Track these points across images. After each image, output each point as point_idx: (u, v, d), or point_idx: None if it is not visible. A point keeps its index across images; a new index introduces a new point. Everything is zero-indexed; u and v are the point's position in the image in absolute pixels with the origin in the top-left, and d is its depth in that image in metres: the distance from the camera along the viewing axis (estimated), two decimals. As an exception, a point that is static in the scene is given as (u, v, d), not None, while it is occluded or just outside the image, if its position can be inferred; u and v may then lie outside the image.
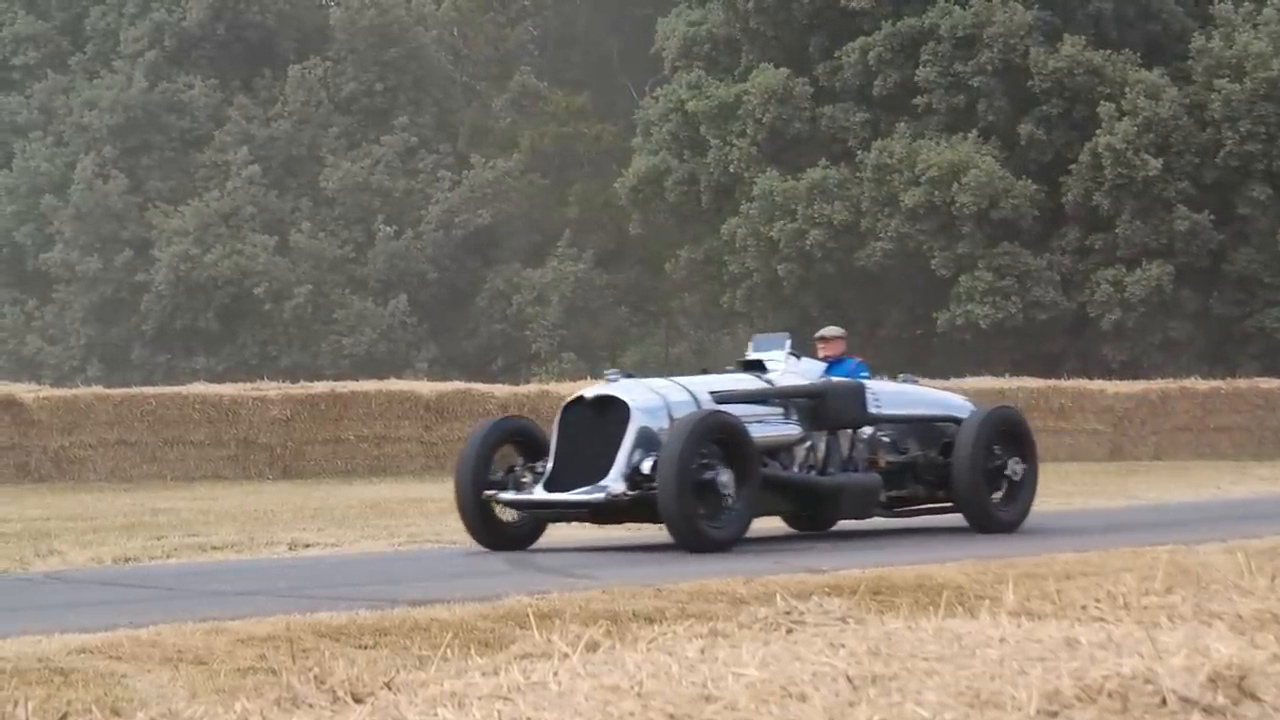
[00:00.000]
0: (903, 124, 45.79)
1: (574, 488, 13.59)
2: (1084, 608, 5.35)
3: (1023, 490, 15.35)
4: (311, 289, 55.91)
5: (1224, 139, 43.02)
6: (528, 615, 8.25)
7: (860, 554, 12.80)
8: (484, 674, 4.59)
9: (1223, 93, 42.88)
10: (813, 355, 16.14)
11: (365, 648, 8.27)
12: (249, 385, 30.15)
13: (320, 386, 29.91)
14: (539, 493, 13.72)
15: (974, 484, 14.93)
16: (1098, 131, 43.59)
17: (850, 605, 5.84)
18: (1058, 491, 23.12)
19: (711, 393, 14.25)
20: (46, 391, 28.55)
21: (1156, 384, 35.52)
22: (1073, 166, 44.21)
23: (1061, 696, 3.98)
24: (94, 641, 8.33)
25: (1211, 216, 43.24)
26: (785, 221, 45.54)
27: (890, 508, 15.30)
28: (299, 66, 59.51)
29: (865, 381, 15.32)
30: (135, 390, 29.47)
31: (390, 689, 4.57)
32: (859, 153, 45.98)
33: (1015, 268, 44.18)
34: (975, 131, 44.84)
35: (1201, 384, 35.59)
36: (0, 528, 17.04)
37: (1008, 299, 43.85)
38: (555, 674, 4.48)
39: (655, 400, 13.91)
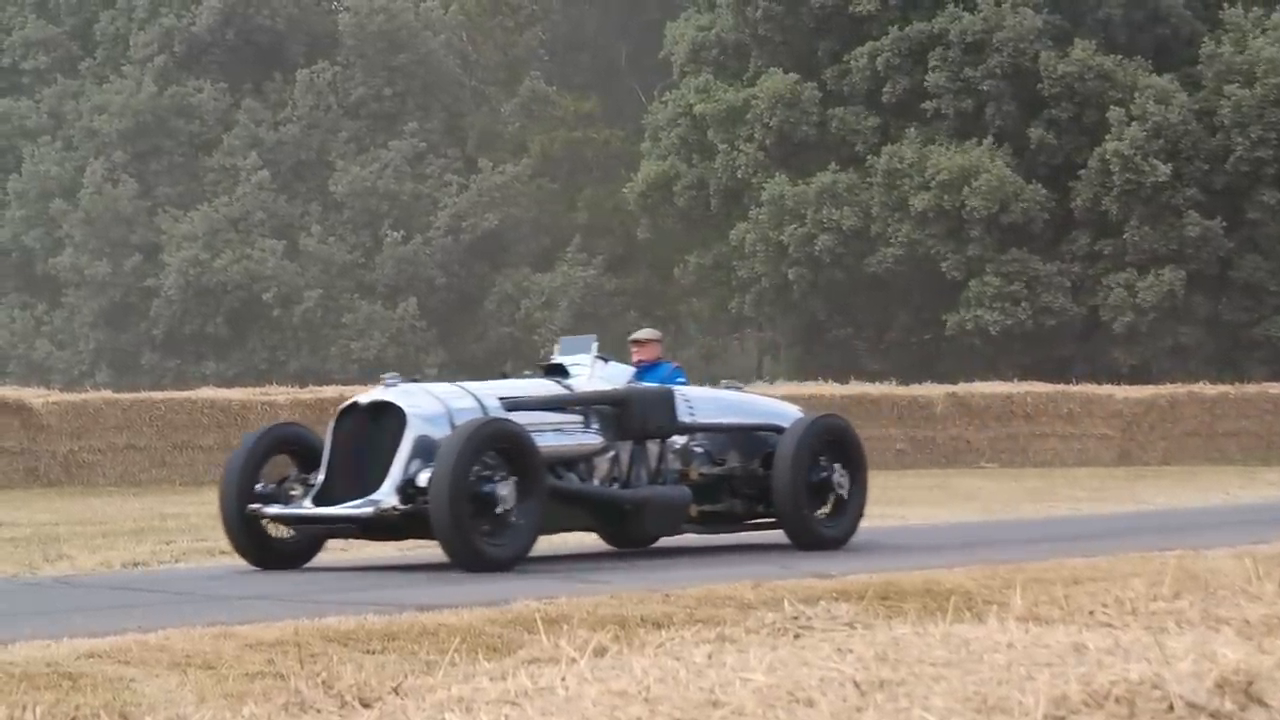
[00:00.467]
0: (913, 129, 45.78)
1: (346, 501, 12.64)
2: (1092, 613, 5.35)
3: (850, 504, 14.32)
4: (321, 293, 55.96)
5: (1234, 145, 42.99)
6: (535, 620, 8.26)
7: (868, 559, 12.81)
8: (491, 679, 4.59)
9: (1233, 98, 42.84)
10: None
11: (373, 653, 8.28)
12: (258, 390, 30.17)
13: (329, 391, 29.91)
14: (306, 506, 12.79)
15: (794, 497, 13.93)
16: (1106, 137, 43.57)
17: (858, 610, 5.84)
18: (1067, 496, 23.13)
19: (501, 399, 13.31)
20: (55, 396, 28.57)
21: (1165, 389, 35.48)
22: (1082, 172, 44.19)
23: (1069, 702, 3.98)
24: (102, 646, 8.35)
25: (1224, 224, 43.20)
26: (795, 226, 45.55)
27: (705, 523, 14.26)
28: (307, 71, 59.57)
29: (679, 388, 14.37)
30: (144, 395, 29.50)
31: (398, 694, 4.58)
32: (869, 157, 45.97)
33: (1024, 273, 44.18)
34: (990, 137, 44.78)
35: (1210, 389, 35.56)
36: (9, 532, 17.06)
37: (1017, 304, 43.84)
38: (563, 679, 4.48)
39: (435, 407, 12.97)
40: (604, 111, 60.26)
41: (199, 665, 7.91)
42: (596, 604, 9.68)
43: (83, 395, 28.86)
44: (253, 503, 12.91)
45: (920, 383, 35.60)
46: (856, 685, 4.21)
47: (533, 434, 12.87)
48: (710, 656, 4.77)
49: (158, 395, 29.63)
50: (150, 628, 8.94)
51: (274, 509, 12.92)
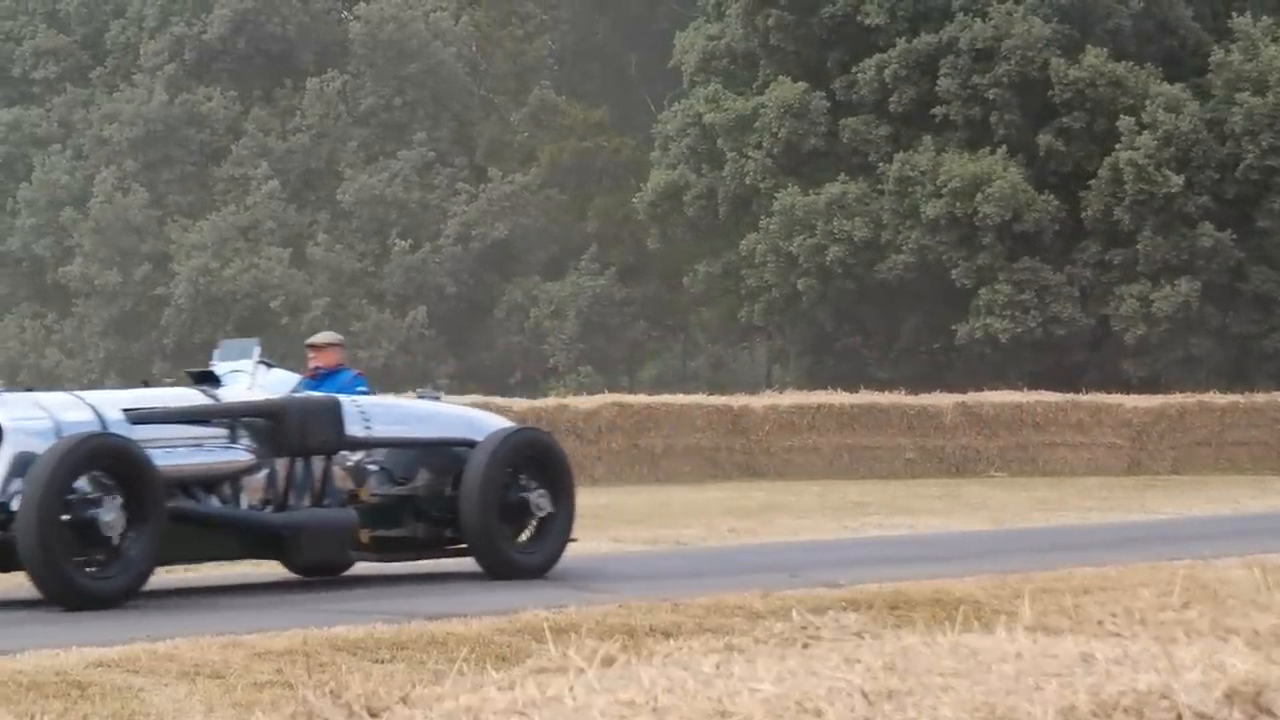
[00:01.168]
0: (927, 137, 45.70)
1: None
2: (1100, 623, 5.35)
3: (553, 529, 12.91)
4: (328, 301, 55.99)
5: (1244, 153, 42.92)
6: (544, 629, 8.26)
7: (878, 569, 12.79)
8: (499, 689, 4.59)
9: (1244, 106, 42.78)
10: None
11: (382, 662, 8.29)
12: (267, 399, 30.11)
13: (338, 400, 29.88)
14: None
15: (484, 521, 12.50)
16: (1117, 146, 43.49)
17: (867, 620, 5.83)
18: (1076, 506, 23.12)
19: (126, 410, 11.86)
20: (65, 404, 28.57)
21: (1175, 398, 35.46)
22: (1092, 181, 44.11)
23: (1077, 712, 3.98)
24: (111, 655, 8.36)
25: (1234, 236, 43.12)
26: (804, 237, 45.50)
27: (381, 550, 12.85)
28: (318, 80, 59.61)
29: (352, 398, 12.96)
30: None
31: (406, 704, 4.57)
32: (881, 165, 45.91)
33: (1035, 282, 44.12)
34: (1003, 147, 44.65)
35: (1220, 398, 35.54)
36: (19, 541, 17.04)
37: (1027, 313, 43.79)
38: (571, 689, 4.48)
39: (40, 419, 11.49)
40: (613, 120, 60.26)
41: (207, 674, 7.92)
42: (605, 613, 9.68)
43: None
44: None
45: (929, 392, 35.59)
46: (865, 695, 4.21)
47: (161, 450, 11.62)
48: (718, 666, 4.76)
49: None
50: (159, 636, 8.95)
51: None
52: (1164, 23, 46.21)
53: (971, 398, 34.28)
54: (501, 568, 12.65)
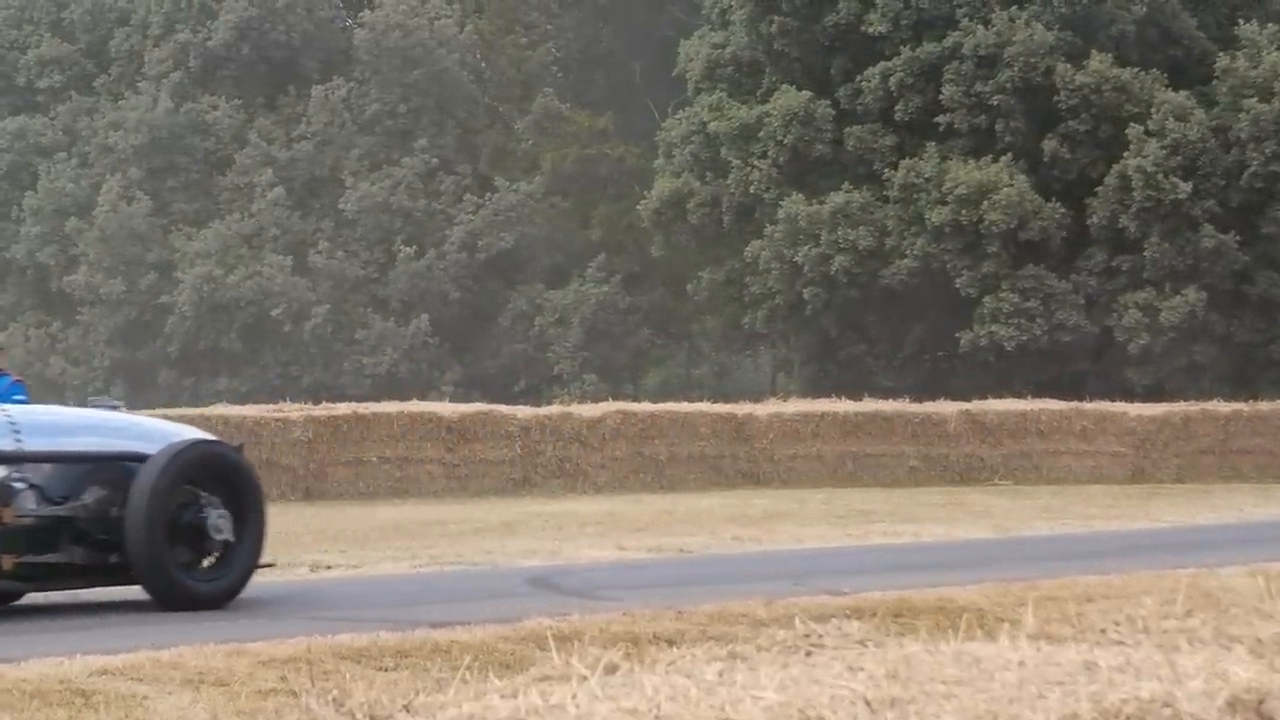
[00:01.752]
0: (932, 144, 45.69)
1: None
2: (1103, 631, 5.35)
3: (237, 553, 11.64)
4: (330, 308, 56.00)
5: (1249, 159, 42.90)
6: (547, 637, 8.26)
7: (882, 577, 12.79)
8: (502, 696, 4.59)
9: (1250, 112, 42.75)
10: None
11: (385, 670, 8.29)
12: (271, 406, 30.13)
13: (342, 408, 29.90)
14: None
15: (150, 543, 11.18)
16: (1125, 154, 43.44)
17: (870, 628, 5.83)
18: (1080, 514, 23.13)
19: None
20: (70, 412, 28.56)
21: (1179, 406, 35.44)
22: (1099, 189, 44.06)
23: (1079, 720, 3.98)
24: (115, 663, 8.37)
25: (1238, 239, 43.08)
26: (809, 246, 45.49)
27: (30, 578, 11.40)
28: (322, 87, 59.65)
29: (6, 407, 11.74)
30: (158, 412, 29.49)
31: (409, 711, 4.57)
32: (886, 172, 45.88)
33: (1040, 290, 44.09)
34: (1009, 155, 44.61)
35: (1224, 407, 35.51)
36: (23, 548, 17.04)
37: (1032, 321, 43.75)
38: (574, 696, 4.48)
39: None
40: (617, 128, 60.26)
41: (211, 682, 7.93)
42: (609, 621, 9.69)
43: (97, 412, 28.80)
44: None
45: (934, 400, 35.56)
46: (867, 703, 4.21)
47: None
48: (721, 674, 4.76)
49: (171, 412, 29.62)
50: (163, 644, 8.96)
51: None
52: (1168, 31, 46.19)
53: (976, 406, 34.24)
54: (172, 596, 11.36)
